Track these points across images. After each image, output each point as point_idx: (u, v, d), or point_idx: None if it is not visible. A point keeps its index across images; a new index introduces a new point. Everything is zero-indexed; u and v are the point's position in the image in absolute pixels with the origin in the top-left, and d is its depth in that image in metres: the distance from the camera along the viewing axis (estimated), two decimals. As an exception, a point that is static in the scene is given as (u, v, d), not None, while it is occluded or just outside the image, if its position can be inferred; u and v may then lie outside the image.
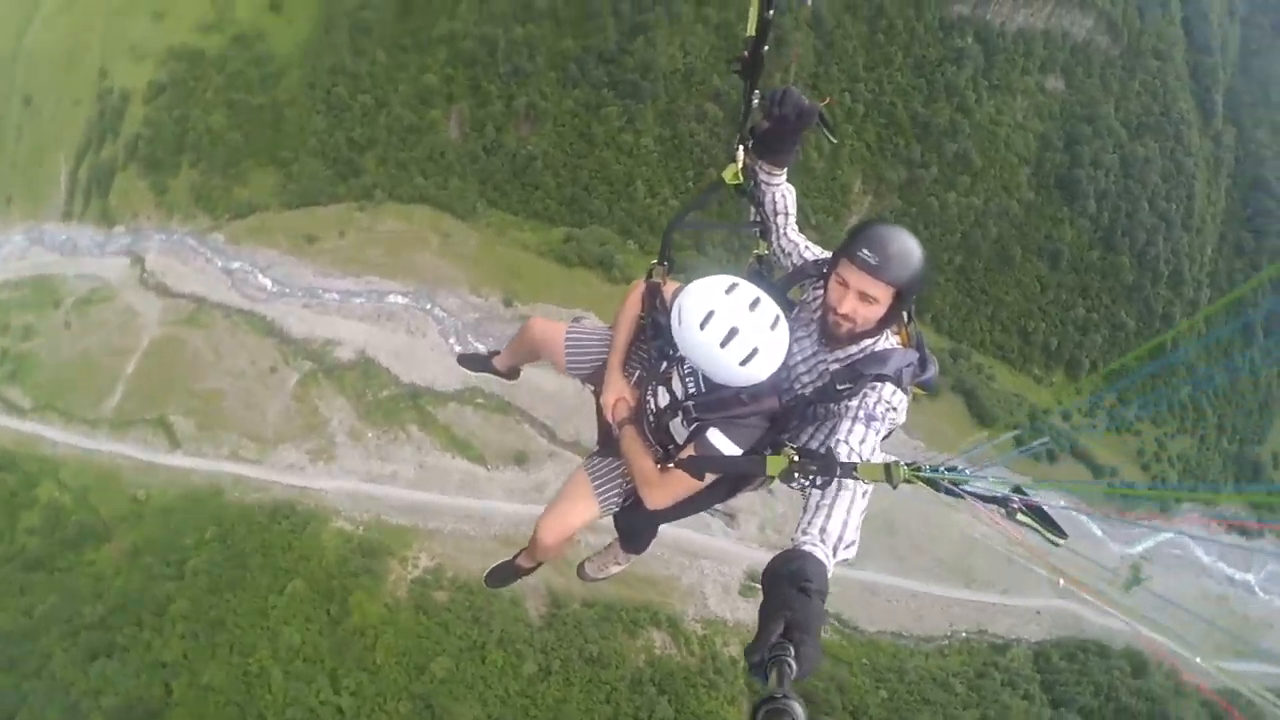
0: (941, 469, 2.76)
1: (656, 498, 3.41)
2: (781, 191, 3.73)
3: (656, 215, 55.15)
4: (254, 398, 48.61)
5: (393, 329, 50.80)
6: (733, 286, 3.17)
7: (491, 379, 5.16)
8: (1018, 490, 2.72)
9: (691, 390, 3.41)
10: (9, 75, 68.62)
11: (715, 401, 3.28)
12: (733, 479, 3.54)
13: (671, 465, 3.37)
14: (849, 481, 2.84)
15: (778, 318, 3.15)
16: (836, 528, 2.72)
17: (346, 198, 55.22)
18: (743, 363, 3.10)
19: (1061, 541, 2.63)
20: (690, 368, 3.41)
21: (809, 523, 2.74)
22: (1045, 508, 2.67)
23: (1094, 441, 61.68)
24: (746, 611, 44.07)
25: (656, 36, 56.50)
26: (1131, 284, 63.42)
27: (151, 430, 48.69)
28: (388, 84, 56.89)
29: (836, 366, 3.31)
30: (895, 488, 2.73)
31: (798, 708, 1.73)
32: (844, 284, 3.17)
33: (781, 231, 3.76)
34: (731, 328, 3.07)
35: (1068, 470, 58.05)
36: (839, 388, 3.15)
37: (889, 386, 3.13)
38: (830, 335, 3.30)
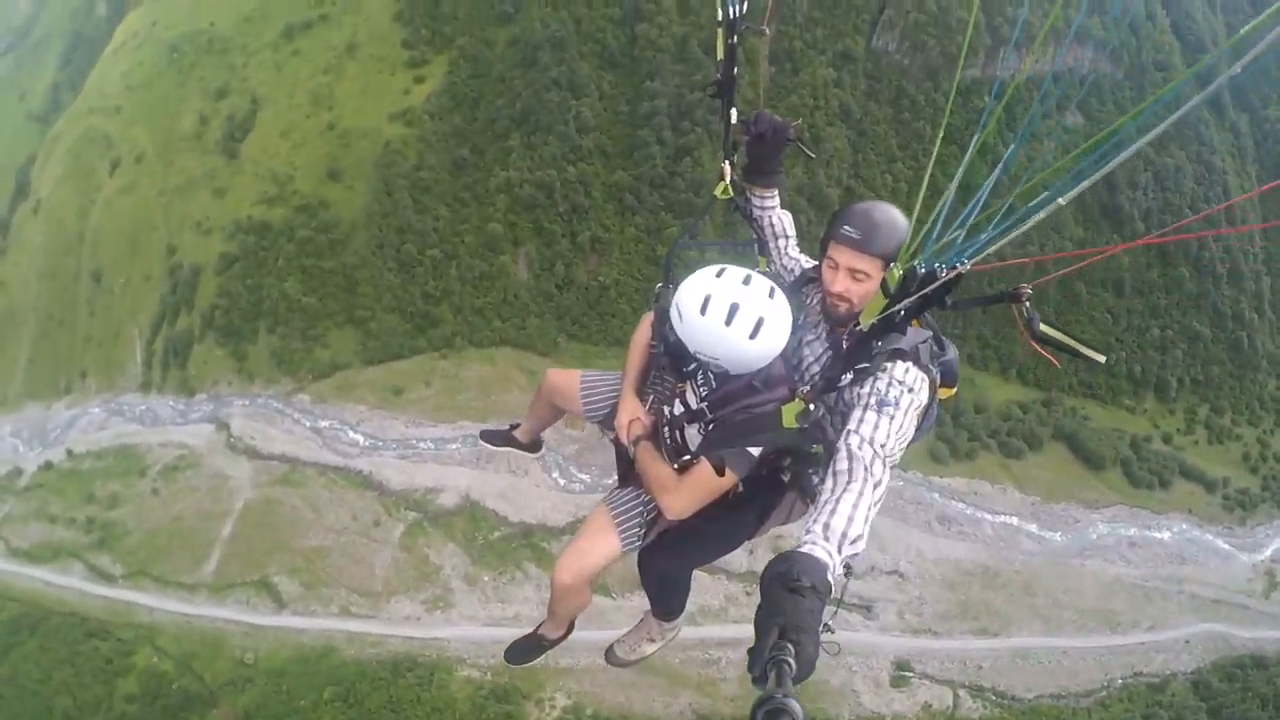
0: (940, 264, 2.93)
1: (677, 502, 3.42)
2: (778, 215, 4.02)
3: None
4: (359, 552, 50.28)
5: (494, 470, 52.73)
6: (721, 270, 3.31)
7: (513, 453, 5.24)
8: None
9: (704, 394, 3.50)
10: (77, 255, 72.77)
11: (729, 395, 3.37)
12: (760, 495, 3.58)
13: (690, 458, 3.49)
14: (857, 475, 2.85)
15: (773, 289, 3.26)
16: (840, 523, 2.68)
17: (427, 349, 58.40)
18: (752, 335, 3.18)
19: (1101, 359, 2.58)
20: (703, 377, 3.51)
21: (813, 521, 2.71)
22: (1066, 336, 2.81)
23: (1200, 456, 63.37)
24: (902, 703, 44.89)
25: (702, 155, 61.26)
26: (1196, 292, 66.93)
27: (254, 592, 49.94)
28: (454, 236, 60.96)
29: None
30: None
31: (797, 707, 1.73)
32: (834, 265, 3.28)
33: (783, 252, 4.00)
34: (731, 304, 3.15)
35: (1183, 492, 59.83)
36: (856, 365, 3.20)
37: (900, 365, 3.16)
38: (832, 319, 3.42)
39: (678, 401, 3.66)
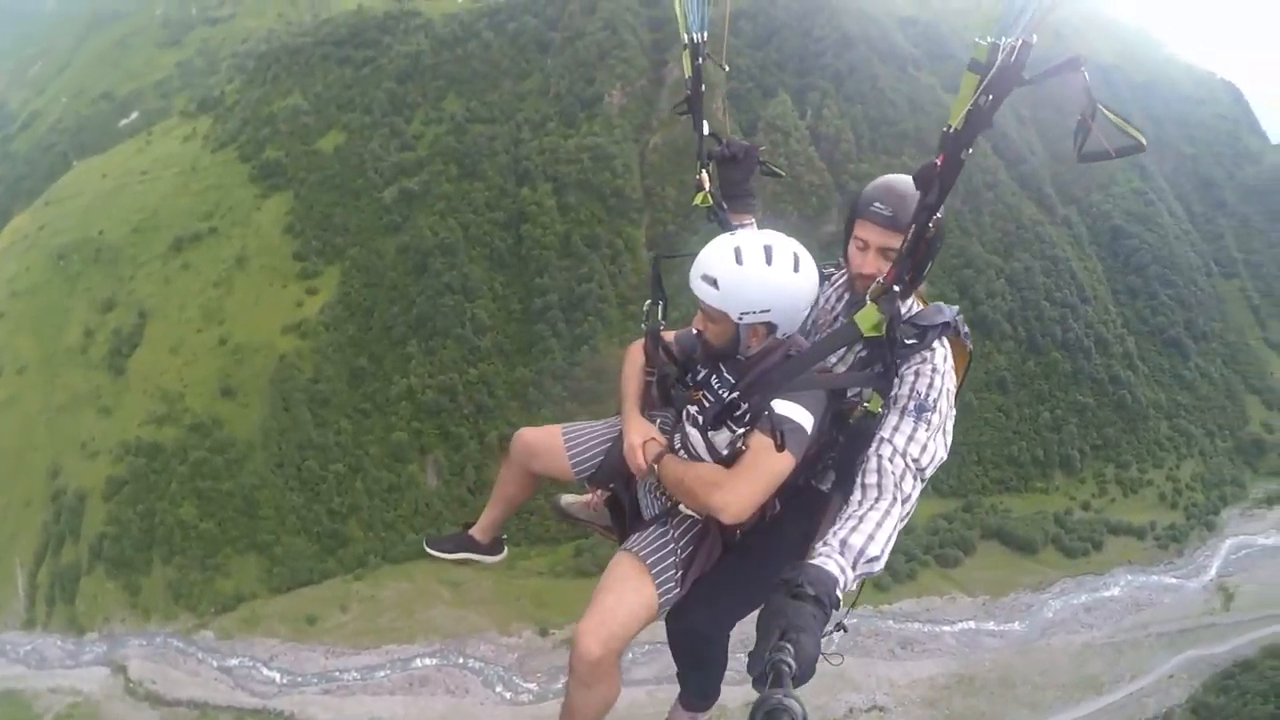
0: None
1: (736, 496, 2.84)
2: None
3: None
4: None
5: (430, 694, 51.50)
6: (734, 230, 3.25)
7: (469, 565, 4.45)
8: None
9: (726, 393, 3.13)
10: (-51, 475, 69.12)
11: (763, 375, 3.04)
12: (800, 513, 3.22)
13: (746, 431, 2.93)
14: (886, 492, 2.75)
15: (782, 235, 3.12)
16: (859, 540, 2.58)
17: (339, 571, 58.04)
18: (795, 269, 3.00)
19: (1143, 140, 2.25)
20: (719, 380, 3.19)
21: (832, 533, 2.62)
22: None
23: (1121, 510, 69.42)
24: None
25: (598, 343, 65.03)
26: (1072, 369, 74.71)
27: None
28: (357, 449, 61.80)
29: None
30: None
31: (796, 706, 1.71)
32: (864, 245, 3.12)
33: None
34: (765, 245, 2.98)
35: (1117, 547, 65.56)
36: (905, 341, 2.95)
37: (940, 350, 3.05)
38: (860, 304, 3.01)
39: (692, 411, 3.22)
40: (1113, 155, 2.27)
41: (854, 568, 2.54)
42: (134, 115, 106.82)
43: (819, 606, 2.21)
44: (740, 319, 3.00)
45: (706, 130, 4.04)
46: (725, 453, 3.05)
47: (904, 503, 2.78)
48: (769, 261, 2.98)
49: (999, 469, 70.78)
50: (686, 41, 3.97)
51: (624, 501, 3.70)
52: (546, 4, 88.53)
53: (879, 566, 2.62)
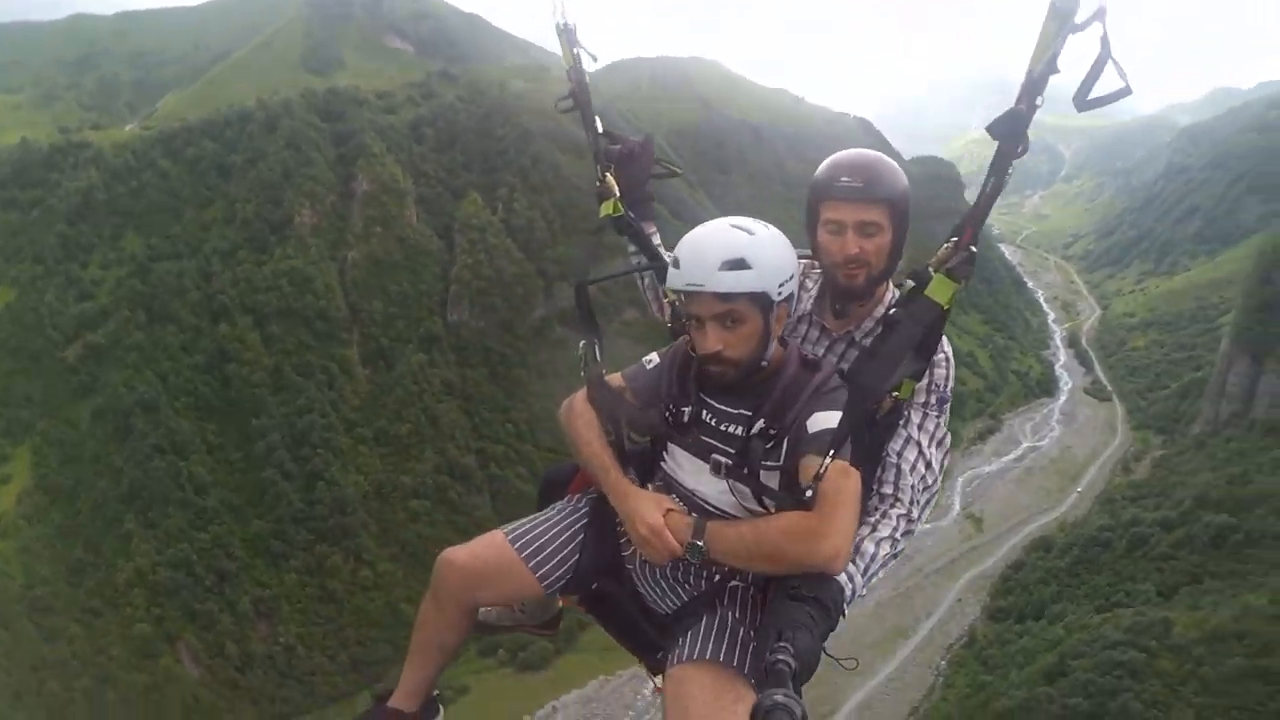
0: None
1: (843, 542, 2.31)
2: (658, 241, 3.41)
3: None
4: None
5: None
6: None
7: None
8: None
9: (736, 429, 2.56)
10: None
11: (786, 394, 2.51)
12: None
13: (830, 460, 2.32)
14: (903, 498, 2.60)
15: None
16: (870, 547, 2.46)
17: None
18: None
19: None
20: (711, 413, 2.61)
21: None
22: None
23: None
24: None
25: (332, 473, 66.66)
26: None
27: None
28: (98, 655, 57.11)
29: (870, 342, 2.74)
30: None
31: (796, 706, 1.67)
32: (838, 227, 2.69)
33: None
34: (734, 222, 2.52)
35: None
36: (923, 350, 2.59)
37: (945, 341, 2.70)
38: (846, 296, 2.77)
39: (722, 461, 2.51)
40: (1107, 101, 2.23)
41: (864, 574, 2.42)
42: None
43: (818, 607, 2.14)
44: (779, 293, 2.45)
45: (600, 128, 3.38)
46: (781, 493, 2.42)
47: (916, 518, 2.61)
48: (757, 222, 2.51)
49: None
50: (558, 25, 3.31)
51: (619, 601, 2.80)
52: (224, 126, 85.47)
53: (874, 581, 2.52)
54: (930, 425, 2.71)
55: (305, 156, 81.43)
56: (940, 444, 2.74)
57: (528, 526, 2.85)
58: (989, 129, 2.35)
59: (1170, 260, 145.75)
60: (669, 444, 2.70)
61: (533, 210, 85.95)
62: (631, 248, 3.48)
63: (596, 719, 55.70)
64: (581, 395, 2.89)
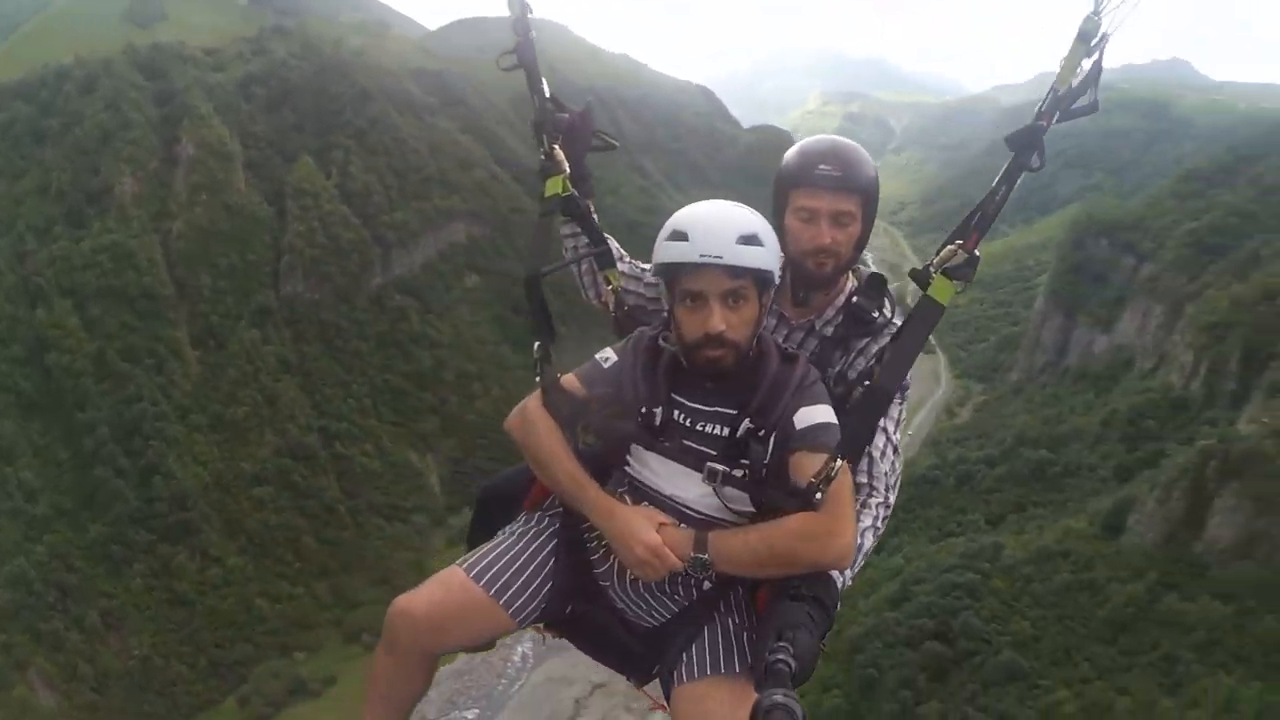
0: None
1: (852, 538, 2.33)
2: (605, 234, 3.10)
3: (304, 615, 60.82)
4: None
5: None
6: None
7: None
8: None
9: (718, 429, 2.41)
10: None
11: (773, 390, 2.39)
12: None
13: (840, 463, 2.26)
14: (879, 488, 2.61)
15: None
16: (857, 539, 2.44)
17: None
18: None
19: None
20: (685, 413, 2.44)
21: None
22: None
23: None
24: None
25: (169, 465, 61.94)
26: None
27: None
28: None
29: (832, 331, 2.79)
30: None
31: (796, 706, 1.62)
32: (811, 215, 2.64)
33: (629, 261, 3.13)
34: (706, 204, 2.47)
35: None
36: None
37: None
38: (811, 284, 2.74)
39: (717, 468, 2.34)
40: (1076, 115, 2.35)
41: (853, 567, 2.43)
42: None
43: (817, 606, 2.15)
44: (778, 276, 2.41)
45: (547, 92, 2.86)
46: (791, 499, 2.28)
47: (891, 504, 2.64)
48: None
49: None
50: None
51: (598, 621, 2.61)
52: (40, 87, 77.11)
53: (857, 568, 2.50)
54: (895, 412, 2.69)
55: (125, 119, 74.58)
56: (899, 426, 2.73)
57: (490, 558, 2.58)
58: (1007, 140, 2.44)
59: (991, 227, 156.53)
60: (635, 448, 2.50)
61: (369, 174, 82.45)
62: (568, 230, 3.14)
63: (471, 690, 55.55)
64: (535, 403, 2.55)
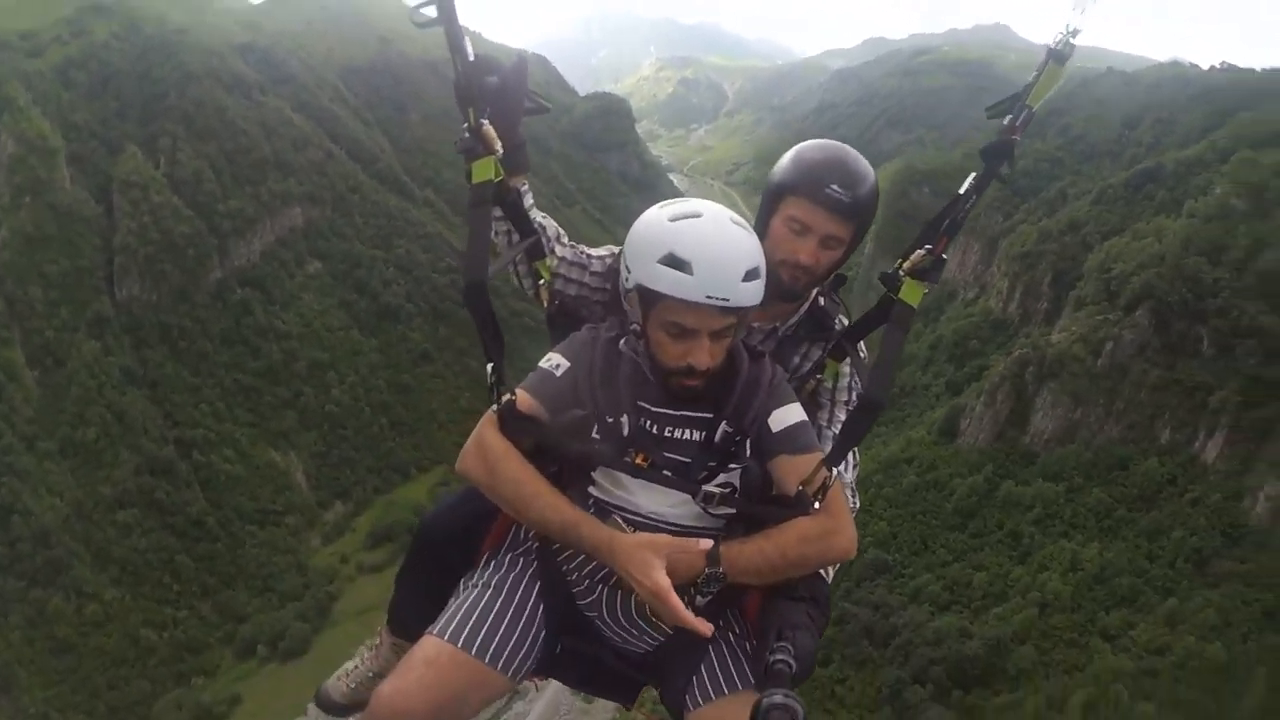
0: None
1: (849, 532, 2.29)
2: (538, 214, 2.72)
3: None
4: None
5: None
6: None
7: None
8: None
9: (691, 435, 2.29)
10: None
11: (744, 397, 2.30)
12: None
13: (835, 474, 2.21)
14: (847, 475, 2.65)
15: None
16: None
17: None
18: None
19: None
20: (648, 420, 2.29)
21: None
22: None
23: None
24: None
25: (24, 501, 56.54)
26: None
27: None
28: None
29: (791, 332, 2.78)
30: None
31: (797, 706, 1.66)
32: (803, 229, 2.56)
33: (573, 246, 2.79)
34: (681, 203, 2.32)
35: None
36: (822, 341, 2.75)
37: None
38: (781, 295, 2.60)
39: (714, 492, 2.23)
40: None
41: (832, 569, 2.43)
42: None
43: (815, 606, 2.18)
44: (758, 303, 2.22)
45: (471, 53, 2.26)
46: (789, 510, 2.20)
47: (855, 509, 2.66)
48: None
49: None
50: None
51: (587, 656, 2.50)
52: None
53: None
54: (841, 416, 2.73)
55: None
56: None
57: (474, 620, 2.31)
58: (982, 152, 2.35)
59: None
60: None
61: (199, 160, 78.99)
62: (495, 212, 2.57)
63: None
64: (494, 437, 2.25)
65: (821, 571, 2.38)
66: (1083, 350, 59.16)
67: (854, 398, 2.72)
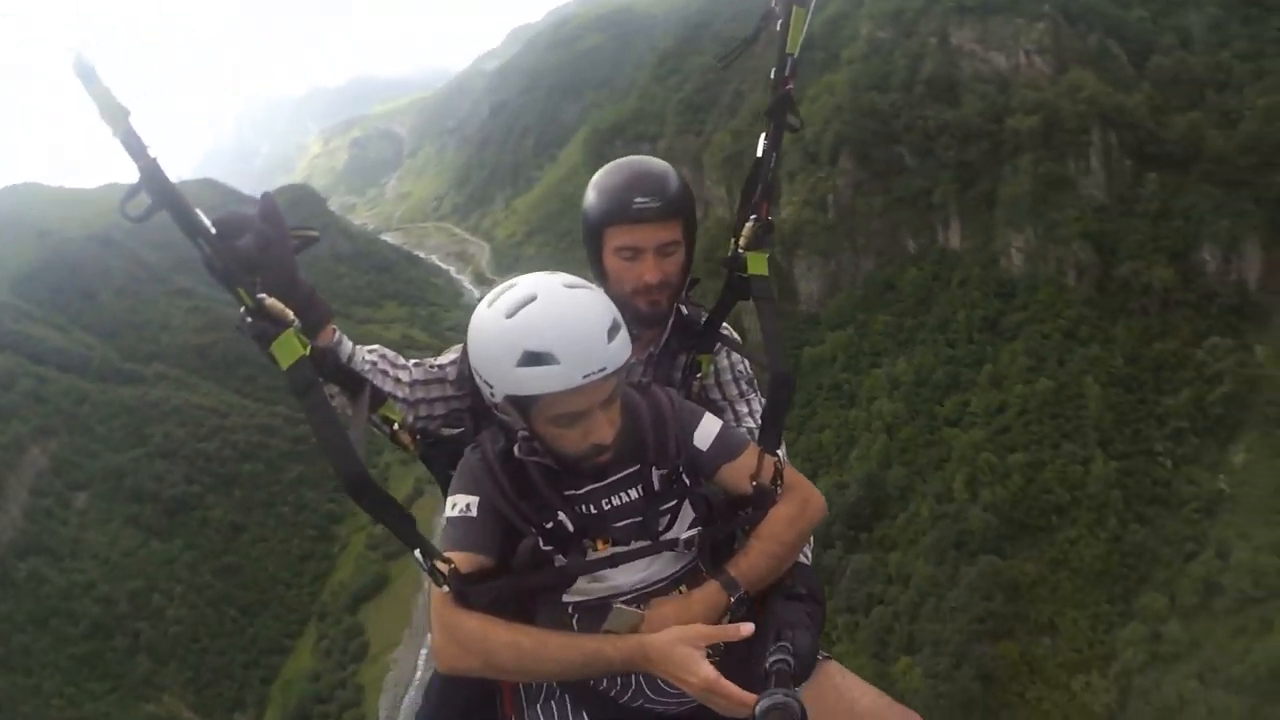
0: None
1: (813, 492, 2.40)
2: (364, 351, 2.42)
3: None
4: None
5: None
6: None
7: None
8: None
9: (631, 492, 2.19)
10: None
11: (662, 441, 2.22)
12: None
13: (777, 458, 2.30)
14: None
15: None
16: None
17: None
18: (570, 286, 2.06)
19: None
20: (614, 495, 2.18)
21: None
22: None
23: None
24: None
25: None
26: None
27: None
28: None
29: (662, 351, 2.70)
30: None
31: (797, 706, 1.64)
32: (635, 253, 2.48)
33: (395, 369, 2.46)
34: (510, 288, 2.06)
35: None
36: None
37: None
38: (647, 323, 2.58)
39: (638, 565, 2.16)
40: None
41: (809, 556, 2.46)
42: None
43: (813, 603, 2.18)
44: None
45: (212, 228, 1.85)
46: (755, 514, 2.25)
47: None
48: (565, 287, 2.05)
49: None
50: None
51: None
52: None
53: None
54: (756, 405, 2.69)
55: None
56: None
57: None
58: (767, 112, 2.36)
59: (524, 178, 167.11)
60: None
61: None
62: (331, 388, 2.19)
63: None
64: (459, 616, 2.01)
65: (802, 557, 2.37)
66: (813, 212, 65.18)
67: (743, 384, 2.72)
